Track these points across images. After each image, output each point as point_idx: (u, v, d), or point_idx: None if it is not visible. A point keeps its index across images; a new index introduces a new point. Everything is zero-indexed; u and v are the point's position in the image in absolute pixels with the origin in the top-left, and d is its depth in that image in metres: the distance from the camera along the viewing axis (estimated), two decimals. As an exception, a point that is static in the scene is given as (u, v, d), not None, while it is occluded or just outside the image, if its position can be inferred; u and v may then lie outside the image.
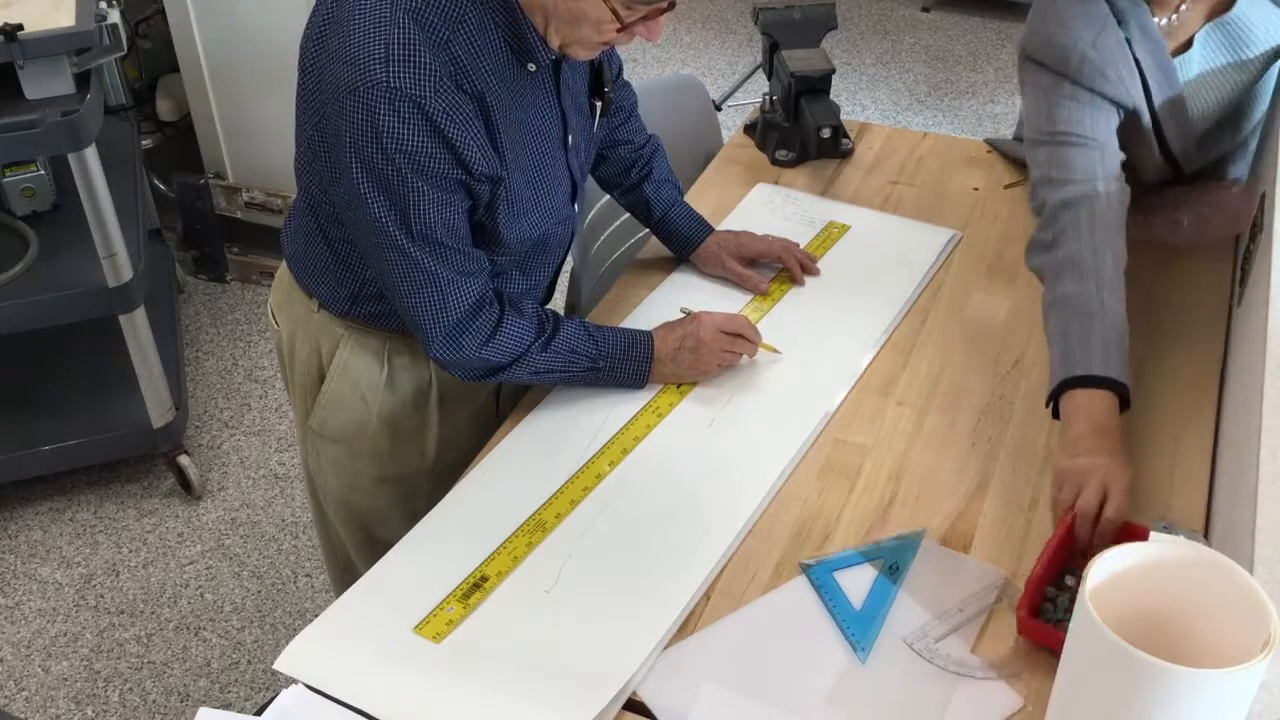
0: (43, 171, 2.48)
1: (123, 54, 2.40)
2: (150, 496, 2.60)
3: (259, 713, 1.12)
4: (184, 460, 2.55)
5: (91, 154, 2.14)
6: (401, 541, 1.30)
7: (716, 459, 1.40)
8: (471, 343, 1.35)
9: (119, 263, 2.26)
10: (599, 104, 1.48)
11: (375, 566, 1.27)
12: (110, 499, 2.59)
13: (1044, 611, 1.21)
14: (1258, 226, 1.60)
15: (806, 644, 1.19)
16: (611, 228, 2.00)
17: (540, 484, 1.36)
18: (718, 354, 1.48)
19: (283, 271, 1.55)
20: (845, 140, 2.00)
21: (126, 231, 2.29)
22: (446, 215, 1.27)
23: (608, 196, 1.83)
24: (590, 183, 1.64)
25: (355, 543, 1.65)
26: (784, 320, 1.62)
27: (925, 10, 4.78)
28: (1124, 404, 1.34)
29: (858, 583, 1.25)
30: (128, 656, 2.25)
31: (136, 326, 2.36)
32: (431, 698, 1.13)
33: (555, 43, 1.28)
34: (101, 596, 2.37)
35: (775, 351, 1.54)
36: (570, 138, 1.42)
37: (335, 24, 1.23)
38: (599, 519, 1.32)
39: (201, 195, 3.05)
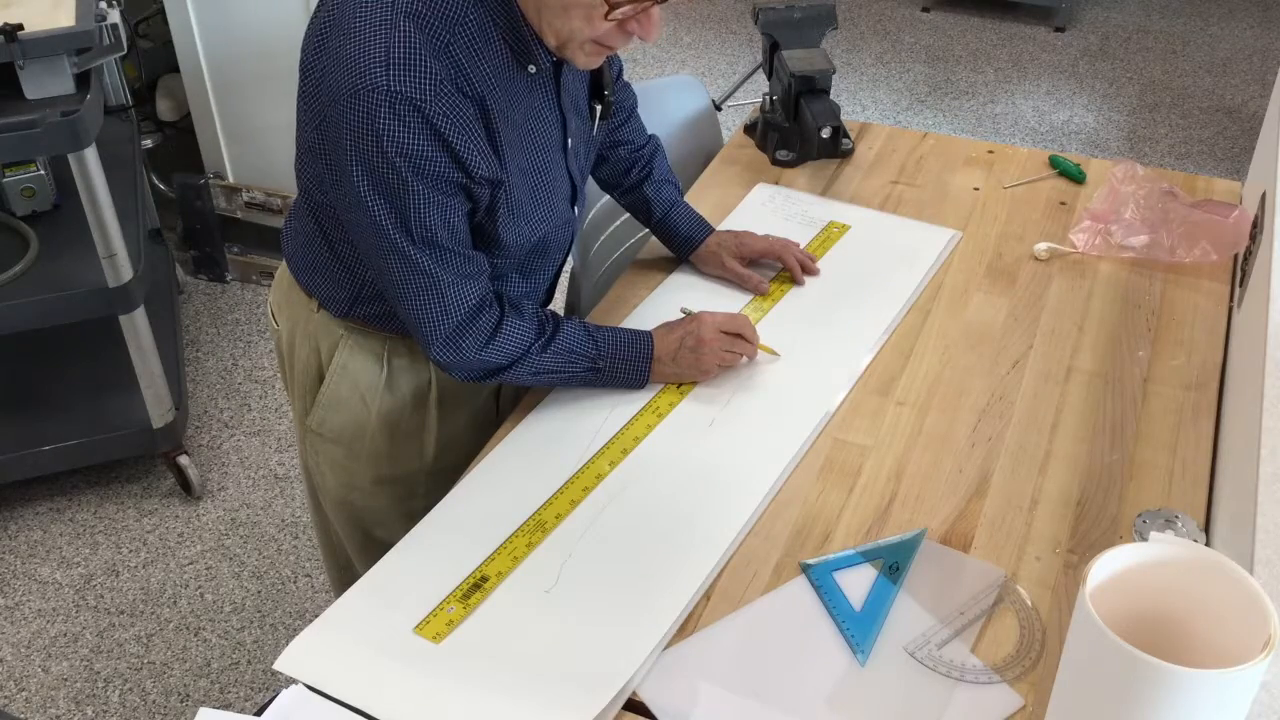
0: (43, 171, 2.48)
1: (123, 54, 2.40)
2: (150, 496, 2.60)
3: (259, 713, 1.12)
4: (184, 460, 2.55)
5: (91, 154, 2.14)
6: (401, 542, 1.30)
7: (717, 459, 1.40)
8: (471, 345, 1.35)
9: (119, 263, 2.26)
10: (599, 107, 1.48)
11: (375, 567, 1.27)
12: (110, 499, 2.59)
13: None
14: (1258, 227, 1.60)
15: (806, 645, 1.19)
16: (611, 228, 2.00)
17: (540, 484, 1.36)
18: (718, 354, 1.48)
19: (282, 271, 1.55)
20: (845, 140, 2.00)
21: (126, 231, 2.29)
22: (447, 218, 1.27)
23: (607, 197, 1.83)
24: (590, 184, 1.64)
25: (354, 543, 1.65)
26: (784, 320, 1.61)
27: (925, 10, 4.78)
28: None
29: (858, 583, 1.25)
30: (128, 656, 2.25)
31: (136, 326, 2.36)
32: (431, 698, 1.12)
33: (551, 41, 1.27)
34: (101, 597, 2.37)
35: (774, 354, 1.54)
36: (570, 141, 1.42)
37: (336, 27, 1.23)
38: (599, 519, 1.32)
39: (201, 195, 3.05)
